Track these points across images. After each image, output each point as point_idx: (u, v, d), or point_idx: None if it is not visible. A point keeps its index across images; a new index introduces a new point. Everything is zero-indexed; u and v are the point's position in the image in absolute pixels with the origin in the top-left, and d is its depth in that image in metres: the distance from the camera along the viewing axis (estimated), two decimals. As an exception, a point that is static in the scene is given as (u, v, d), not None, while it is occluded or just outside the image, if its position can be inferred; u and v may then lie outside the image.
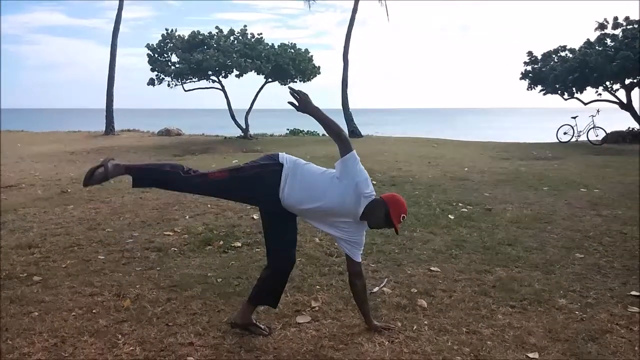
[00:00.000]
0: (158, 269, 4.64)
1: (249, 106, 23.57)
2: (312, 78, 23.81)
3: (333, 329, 3.44)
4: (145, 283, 4.27)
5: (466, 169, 11.48)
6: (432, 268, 4.65)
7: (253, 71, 21.83)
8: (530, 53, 23.39)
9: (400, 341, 3.26)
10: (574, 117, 19.64)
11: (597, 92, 22.00)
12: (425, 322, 3.53)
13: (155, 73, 22.24)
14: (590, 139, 19.02)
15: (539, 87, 23.21)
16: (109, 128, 24.71)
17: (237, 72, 21.74)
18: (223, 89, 22.89)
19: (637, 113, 21.36)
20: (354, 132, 23.03)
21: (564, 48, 22.74)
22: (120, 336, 3.30)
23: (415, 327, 3.45)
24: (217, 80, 22.57)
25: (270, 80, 23.22)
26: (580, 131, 19.71)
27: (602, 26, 20.86)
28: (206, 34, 22.22)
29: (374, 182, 6.83)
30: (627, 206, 7.22)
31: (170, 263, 4.81)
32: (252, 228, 5.94)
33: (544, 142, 20.52)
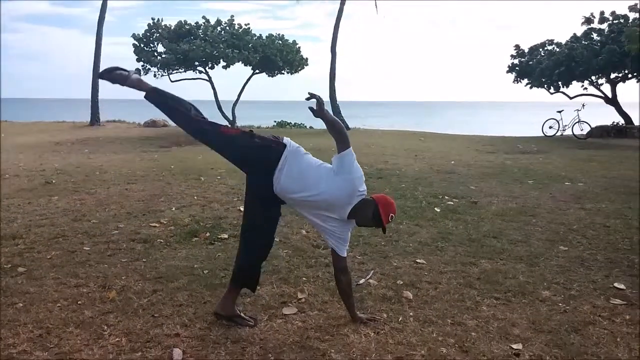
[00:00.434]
0: (144, 260, 4.62)
1: (236, 97, 23.48)
2: (300, 70, 23.77)
3: (319, 321, 3.45)
4: (131, 274, 4.25)
5: (452, 162, 11.54)
6: (418, 260, 4.68)
7: (240, 62, 21.74)
8: (517, 47, 23.54)
9: (386, 332, 3.28)
10: (560, 111, 19.79)
11: (582, 86, 22.22)
12: (411, 314, 3.56)
13: (141, 63, 22.07)
14: (575, 133, 19.17)
15: (525, 81, 23.40)
16: (94, 118, 24.48)
17: (224, 63, 21.65)
18: (210, 80, 22.79)
19: (621, 108, 21.62)
20: (341, 124, 22.99)
21: (551, 42, 22.92)
22: (105, 327, 3.29)
23: (400, 319, 3.47)
24: (204, 71, 22.47)
25: (257, 71, 23.14)
26: (566, 125, 19.87)
27: (588, 20, 21.04)
28: (193, 24, 22.07)
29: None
30: (610, 200, 7.31)
31: (156, 255, 4.79)
32: (238, 220, 5.91)
33: (530, 135, 20.66)
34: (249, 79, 23.64)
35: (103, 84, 25.01)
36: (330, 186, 3.07)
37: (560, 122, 20.02)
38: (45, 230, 5.54)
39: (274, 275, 4.27)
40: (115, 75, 3.25)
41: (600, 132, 19.50)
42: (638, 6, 18.75)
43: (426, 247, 5.10)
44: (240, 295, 3.72)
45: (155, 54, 21.90)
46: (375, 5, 26.46)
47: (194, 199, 7.11)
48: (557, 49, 21.97)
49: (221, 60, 21.53)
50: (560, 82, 21.97)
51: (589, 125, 19.34)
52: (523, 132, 22.82)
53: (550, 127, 20.26)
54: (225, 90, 24.16)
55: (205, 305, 3.67)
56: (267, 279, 4.15)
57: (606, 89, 21.93)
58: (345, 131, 3.16)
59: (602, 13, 20.62)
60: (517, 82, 23.84)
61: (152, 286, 3.99)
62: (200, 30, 21.72)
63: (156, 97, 3.29)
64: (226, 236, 5.37)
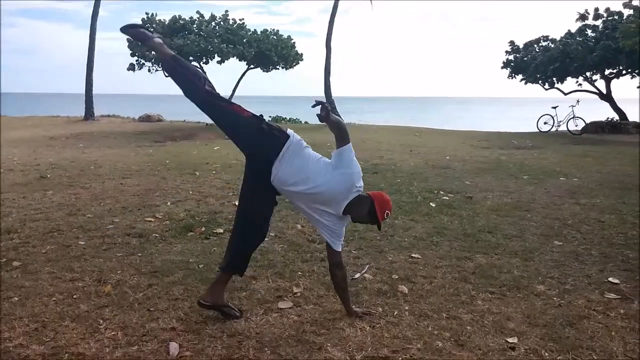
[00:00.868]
0: (139, 254, 4.61)
1: (230, 93, 23.44)
2: (295, 65, 23.74)
3: (315, 314, 3.46)
4: (127, 269, 4.24)
5: (447, 157, 11.56)
6: (413, 255, 4.69)
7: (235, 57, 21.70)
8: (512, 42, 23.61)
9: (382, 326, 3.28)
10: (554, 107, 19.84)
11: (577, 82, 22.31)
12: (406, 308, 3.57)
13: (136, 58, 22.03)
14: (570, 128, 19.22)
15: (520, 76, 23.48)
16: (89, 113, 24.41)
17: (219, 58, 21.60)
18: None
19: (616, 103, 21.69)
20: (336, 120, 22.97)
21: (545, 38, 23.00)
22: (101, 321, 3.28)
23: (396, 313, 3.48)
24: (198, 66, 22.37)
25: (252, 66, 23.09)
26: (560, 121, 19.91)
27: (583, 17, 21.09)
28: (187, 18, 22.03)
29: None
30: (605, 195, 7.34)
31: (151, 249, 4.78)
32: (234, 214, 5.88)
33: (525, 131, 20.72)
34: (243, 74, 23.62)
35: (97, 78, 24.92)
36: (329, 180, 3.08)
37: (555, 117, 20.07)
38: (40, 225, 5.52)
39: (270, 269, 4.27)
40: (138, 33, 3.18)
41: (594, 128, 19.56)
42: (632, 3, 18.79)
43: (421, 242, 5.11)
44: (235, 290, 3.73)
45: (150, 48, 21.82)
46: (371, 2, 26.46)
47: (189, 194, 7.10)
48: (552, 45, 22.04)
49: (216, 55, 21.50)
50: (554, 78, 22.05)
51: (584, 121, 19.41)
52: (518, 127, 22.89)
53: (545, 123, 20.31)
54: (220, 85, 24.05)
55: (201, 299, 3.66)
56: (262, 273, 4.16)
57: (600, 85, 22.05)
58: (345, 127, 3.17)
59: (596, 10, 20.68)
60: (512, 78, 23.94)
61: (148, 280, 3.99)
62: (195, 25, 21.68)
63: (173, 65, 3.25)
64: (221, 231, 5.36)
